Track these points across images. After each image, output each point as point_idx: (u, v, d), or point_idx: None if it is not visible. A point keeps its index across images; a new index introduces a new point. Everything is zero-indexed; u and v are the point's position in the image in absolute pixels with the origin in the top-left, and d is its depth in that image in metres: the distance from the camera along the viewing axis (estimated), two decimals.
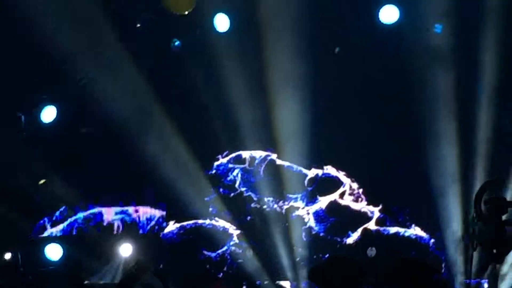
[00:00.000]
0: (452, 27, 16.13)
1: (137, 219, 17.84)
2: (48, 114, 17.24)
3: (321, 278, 5.67)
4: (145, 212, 17.88)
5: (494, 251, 10.64)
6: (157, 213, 17.86)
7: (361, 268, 5.79)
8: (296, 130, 17.06)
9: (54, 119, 17.28)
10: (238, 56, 16.79)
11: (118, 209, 17.85)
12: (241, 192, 17.71)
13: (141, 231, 17.78)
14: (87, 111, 17.47)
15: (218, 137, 17.50)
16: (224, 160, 17.73)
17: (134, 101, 16.93)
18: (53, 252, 16.89)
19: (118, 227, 17.82)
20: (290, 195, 17.46)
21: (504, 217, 10.81)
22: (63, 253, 16.90)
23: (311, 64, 16.55)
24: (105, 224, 17.84)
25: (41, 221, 17.60)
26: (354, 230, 17.24)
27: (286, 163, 17.54)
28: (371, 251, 16.78)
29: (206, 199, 17.62)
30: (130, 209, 17.90)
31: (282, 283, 16.95)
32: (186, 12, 14.07)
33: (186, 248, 17.58)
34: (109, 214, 17.87)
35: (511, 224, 10.97)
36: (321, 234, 17.37)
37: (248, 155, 17.75)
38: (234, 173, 17.73)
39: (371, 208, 17.28)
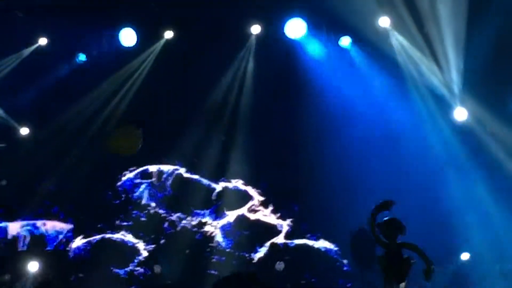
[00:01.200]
0: None
1: (46, 232, 17.60)
2: None
3: None
4: (53, 226, 17.66)
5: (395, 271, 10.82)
6: (65, 226, 17.65)
7: (263, 285, 5.91)
8: (205, 144, 17.11)
9: None
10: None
11: (25, 222, 17.61)
12: (148, 208, 17.61)
13: (49, 247, 17.54)
14: None
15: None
16: (131, 175, 17.61)
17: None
18: None
19: (24, 241, 17.54)
20: (198, 211, 17.45)
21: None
22: None
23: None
24: (9, 237, 17.56)
25: None
26: (262, 244, 17.28)
27: (194, 177, 17.49)
28: (280, 265, 16.85)
29: (113, 214, 17.44)
30: (38, 223, 17.66)
31: None
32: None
33: (94, 263, 17.35)
34: (15, 228, 17.59)
35: (406, 246, 11.15)
36: (229, 250, 17.35)
37: (156, 169, 17.65)
38: (141, 188, 17.61)
39: (280, 221, 17.33)
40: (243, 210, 17.48)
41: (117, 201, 17.55)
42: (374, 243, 11.23)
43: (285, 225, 17.33)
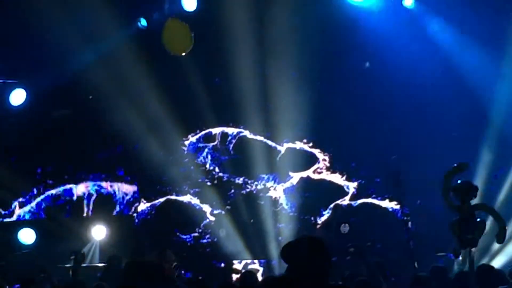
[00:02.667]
0: None
1: (113, 193, 17.76)
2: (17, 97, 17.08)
3: (291, 255, 5.89)
4: (120, 187, 17.80)
5: (468, 236, 10.66)
6: (131, 188, 17.77)
7: (330, 250, 5.97)
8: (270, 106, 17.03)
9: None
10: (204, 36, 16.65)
11: (92, 183, 17.79)
12: (212, 172, 17.61)
13: (116, 208, 17.69)
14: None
15: (189, 116, 17.35)
16: (194, 139, 17.61)
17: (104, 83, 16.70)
18: (26, 236, 16.77)
19: (89, 203, 17.73)
20: (262, 175, 17.37)
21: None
22: (36, 237, 16.78)
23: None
24: (75, 199, 17.76)
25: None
26: (327, 207, 17.20)
27: (258, 139, 17.41)
28: (345, 228, 16.78)
29: (176, 179, 17.48)
30: (104, 184, 17.83)
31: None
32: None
33: (159, 229, 17.45)
34: (81, 189, 17.78)
35: (480, 208, 10.99)
36: (293, 213, 17.31)
37: (219, 132, 17.62)
38: (204, 153, 17.62)
39: (346, 183, 17.23)
40: (308, 173, 17.40)
41: (181, 167, 17.58)
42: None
43: (351, 186, 17.24)
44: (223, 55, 16.78)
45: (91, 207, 17.86)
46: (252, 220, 17.34)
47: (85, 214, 17.80)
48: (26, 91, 17.13)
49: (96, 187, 17.90)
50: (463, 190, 10.64)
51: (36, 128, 17.49)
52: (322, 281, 5.67)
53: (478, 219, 10.89)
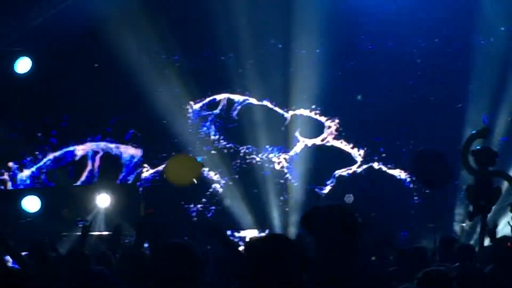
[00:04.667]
0: None
1: (120, 154, 17.60)
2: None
3: (314, 225, 5.37)
4: (126, 150, 17.63)
5: (482, 203, 10.61)
6: (138, 152, 17.60)
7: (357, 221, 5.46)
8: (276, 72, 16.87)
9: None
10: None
11: (98, 143, 17.64)
12: (216, 141, 17.45)
13: (122, 172, 17.51)
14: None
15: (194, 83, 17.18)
16: (197, 107, 17.43)
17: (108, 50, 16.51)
18: (31, 204, 16.62)
19: (93, 164, 17.56)
20: (268, 143, 17.21)
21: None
22: (41, 205, 16.63)
23: None
24: (77, 159, 17.58)
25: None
26: (331, 177, 17.04)
27: (264, 106, 17.23)
28: (349, 198, 16.53)
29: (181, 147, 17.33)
30: (111, 145, 17.67)
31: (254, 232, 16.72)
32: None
33: (164, 197, 17.27)
34: (84, 148, 17.61)
35: (498, 175, 10.93)
36: (297, 183, 17.14)
37: (225, 99, 17.42)
38: (209, 119, 17.44)
39: (352, 152, 17.08)
40: (315, 141, 17.22)
41: (186, 135, 17.43)
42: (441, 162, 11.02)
43: (357, 156, 17.09)
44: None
45: (95, 169, 17.65)
46: (256, 191, 17.16)
47: (88, 177, 17.58)
48: (31, 59, 16.89)
49: (103, 146, 17.67)
50: (482, 155, 10.59)
51: (41, 94, 17.28)
52: (350, 264, 5.13)
53: (494, 186, 10.84)
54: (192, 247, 5.25)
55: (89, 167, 17.70)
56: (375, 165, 17.01)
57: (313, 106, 17.13)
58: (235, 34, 16.69)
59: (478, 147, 10.75)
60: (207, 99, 17.52)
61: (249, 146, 17.35)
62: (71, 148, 17.70)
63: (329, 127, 17.13)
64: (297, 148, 17.22)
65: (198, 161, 12.90)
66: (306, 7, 16.28)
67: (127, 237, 12.31)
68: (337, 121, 17.13)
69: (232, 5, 16.38)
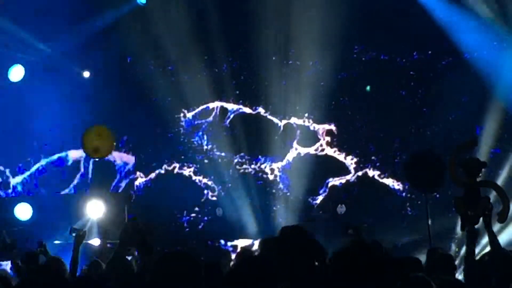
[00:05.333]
0: None
1: (113, 160, 17.57)
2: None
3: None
4: (120, 156, 17.61)
5: (469, 213, 10.58)
6: (130, 159, 17.60)
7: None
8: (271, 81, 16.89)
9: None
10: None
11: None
12: (209, 150, 17.46)
13: (116, 178, 17.48)
14: None
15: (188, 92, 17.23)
16: (190, 115, 17.45)
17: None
18: (23, 212, 16.61)
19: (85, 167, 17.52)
20: (261, 152, 17.21)
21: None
22: (33, 213, 16.62)
23: None
24: (69, 164, 17.54)
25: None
26: (324, 187, 17.03)
27: (257, 114, 17.24)
28: (341, 208, 16.57)
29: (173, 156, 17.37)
30: None
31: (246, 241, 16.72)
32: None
33: (156, 204, 17.27)
34: (76, 154, 17.59)
35: (487, 185, 10.93)
36: (289, 193, 17.18)
37: (218, 107, 17.43)
38: (202, 128, 17.45)
39: (346, 162, 17.07)
40: (309, 150, 17.18)
41: (178, 145, 17.45)
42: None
43: (350, 165, 17.08)
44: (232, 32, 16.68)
45: (89, 174, 17.62)
46: (250, 200, 17.16)
47: (80, 182, 17.55)
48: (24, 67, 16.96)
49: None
50: (471, 165, 10.58)
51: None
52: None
53: (482, 196, 10.84)
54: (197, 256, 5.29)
55: (81, 171, 17.64)
56: (369, 173, 16.99)
57: (307, 115, 17.12)
58: (230, 45, 16.77)
59: (466, 158, 10.75)
60: (200, 107, 17.51)
61: (242, 154, 17.35)
62: (63, 154, 17.66)
63: (323, 136, 17.10)
64: (291, 157, 17.21)
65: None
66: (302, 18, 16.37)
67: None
68: (331, 130, 17.10)
69: (228, 15, 16.48)
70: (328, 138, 17.11)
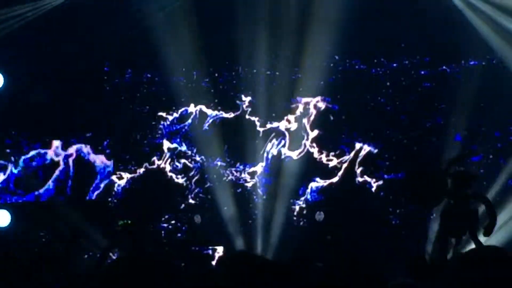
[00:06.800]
0: None
1: (93, 162, 17.36)
2: None
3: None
4: (100, 159, 17.41)
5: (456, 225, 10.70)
6: (109, 162, 17.41)
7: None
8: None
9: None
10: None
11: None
12: (187, 154, 17.35)
13: (97, 178, 17.29)
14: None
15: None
16: (170, 117, 17.34)
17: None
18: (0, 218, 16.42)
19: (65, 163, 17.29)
20: (241, 158, 17.13)
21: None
22: (11, 219, 16.41)
23: None
24: (48, 162, 17.29)
25: None
26: (304, 192, 16.96)
27: (237, 119, 17.18)
28: (319, 215, 16.48)
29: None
30: (84, 149, 17.42)
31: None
32: None
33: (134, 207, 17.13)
34: (56, 150, 17.37)
35: (477, 198, 11.01)
36: (267, 198, 17.05)
37: (197, 111, 17.31)
38: (180, 132, 17.34)
39: (329, 164, 16.98)
40: (291, 154, 17.06)
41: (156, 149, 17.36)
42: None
43: (333, 168, 16.95)
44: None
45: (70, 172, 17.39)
46: (225, 208, 17.06)
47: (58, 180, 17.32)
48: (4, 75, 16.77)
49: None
50: (463, 177, 10.67)
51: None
52: None
53: (470, 209, 10.92)
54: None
55: (61, 167, 17.35)
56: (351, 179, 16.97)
57: (289, 119, 17.07)
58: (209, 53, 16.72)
59: (459, 169, 10.85)
60: (179, 111, 17.38)
61: (219, 159, 17.23)
62: (42, 151, 17.40)
63: (305, 141, 17.01)
64: (271, 162, 17.10)
65: None
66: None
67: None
68: (313, 135, 17.03)
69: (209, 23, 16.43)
70: (309, 142, 16.98)
